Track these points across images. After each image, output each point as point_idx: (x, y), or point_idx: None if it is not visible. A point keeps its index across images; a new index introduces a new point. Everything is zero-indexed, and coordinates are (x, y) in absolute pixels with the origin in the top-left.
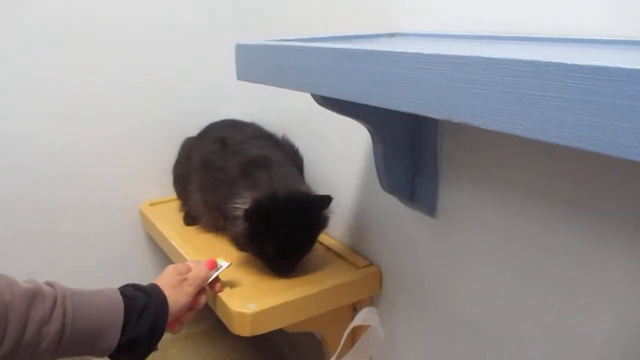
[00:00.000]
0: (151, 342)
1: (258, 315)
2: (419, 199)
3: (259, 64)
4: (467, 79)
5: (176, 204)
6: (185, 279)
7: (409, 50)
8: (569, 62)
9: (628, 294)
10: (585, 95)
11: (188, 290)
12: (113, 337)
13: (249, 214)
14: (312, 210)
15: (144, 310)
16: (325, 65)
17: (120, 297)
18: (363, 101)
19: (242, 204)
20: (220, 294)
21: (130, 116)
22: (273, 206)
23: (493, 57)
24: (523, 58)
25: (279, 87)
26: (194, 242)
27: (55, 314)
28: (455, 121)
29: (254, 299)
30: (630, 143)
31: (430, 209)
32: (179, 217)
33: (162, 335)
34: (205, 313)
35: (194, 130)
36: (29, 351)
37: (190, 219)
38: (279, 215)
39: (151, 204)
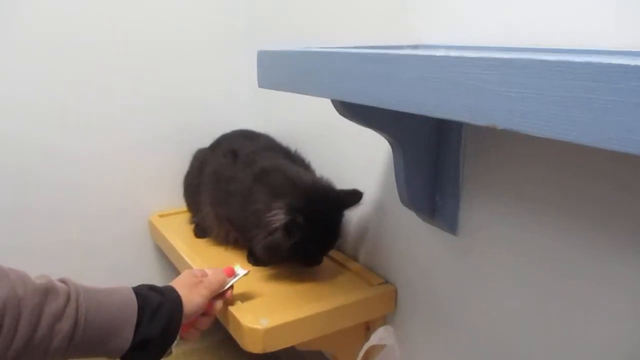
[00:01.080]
0: (165, 342)
1: (270, 332)
2: (439, 215)
3: (281, 70)
4: (515, 82)
5: (186, 216)
6: (201, 282)
7: (447, 54)
8: (632, 63)
9: None
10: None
11: (203, 292)
12: (126, 337)
13: (290, 226)
14: (345, 206)
15: (158, 310)
16: (350, 70)
17: (133, 296)
18: (392, 107)
19: (277, 215)
20: (231, 309)
21: (141, 127)
22: (310, 211)
23: (546, 59)
24: (579, 60)
25: (301, 93)
26: (204, 255)
27: (68, 311)
28: (500, 128)
29: (266, 314)
30: None
31: (451, 226)
32: (188, 229)
33: (176, 336)
34: (212, 328)
35: (206, 142)
36: (41, 348)
37: (200, 232)
38: (317, 219)
39: (160, 216)
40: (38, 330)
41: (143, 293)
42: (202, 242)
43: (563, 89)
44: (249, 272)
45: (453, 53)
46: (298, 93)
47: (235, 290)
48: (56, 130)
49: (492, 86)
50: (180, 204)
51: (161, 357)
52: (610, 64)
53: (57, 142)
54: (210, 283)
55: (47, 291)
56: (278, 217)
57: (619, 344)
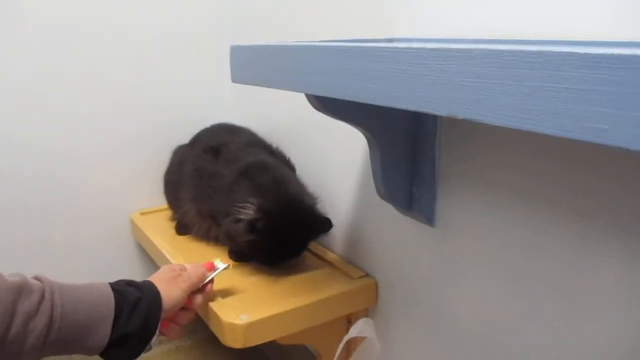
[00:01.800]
0: (144, 338)
1: (250, 327)
2: (416, 207)
3: (254, 65)
4: (472, 72)
5: (167, 214)
6: (179, 275)
7: (410, 46)
8: (582, 51)
9: (625, 300)
10: (600, 85)
11: (182, 286)
12: (104, 333)
13: (254, 225)
14: (312, 232)
15: (136, 305)
16: (321, 64)
17: (111, 292)
18: (361, 100)
19: (247, 209)
20: (211, 305)
21: (121, 124)
22: (278, 222)
23: (500, 49)
24: (533, 49)
25: (274, 88)
26: (186, 252)
27: (42, 308)
28: (460, 117)
29: (246, 309)
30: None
31: (428, 217)
32: (170, 226)
33: (156, 331)
34: (197, 326)
35: (187, 139)
36: (15, 346)
37: (182, 229)
38: (279, 232)
39: (142, 213)
40: (11, 328)
41: (121, 289)
42: (183, 239)
43: (517, 78)
44: (229, 265)
45: (415, 45)
46: (271, 87)
47: (216, 287)
48: (36, 128)
49: (452, 77)
50: (162, 202)
51: (140, 352)
52: (561, 52)
53: (37, 140)
54: (189, 277)
55: (20, 289)
56: (247, 210)
57: (600, 330)
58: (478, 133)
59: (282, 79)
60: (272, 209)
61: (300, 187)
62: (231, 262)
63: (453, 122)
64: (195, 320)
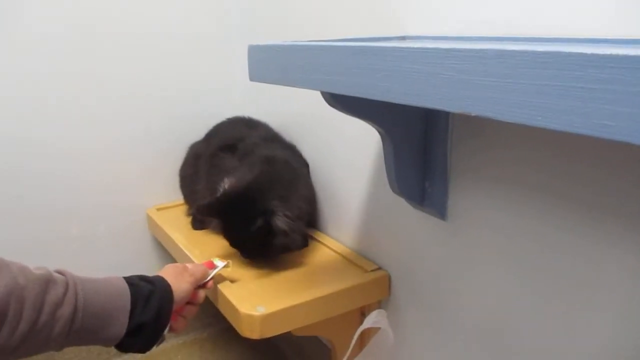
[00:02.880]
0: (158, 328)
1: (267, 318)
2: (429, 201)
3: (271, 64)
4: (485, 72)
5: (183, 209)
6: (185, 270)
7: (425, 46)
8: (589, 51)
9: (637, 293)
10: (607, 84)
11: (189, 279)
12: (121, 323)
13: (213, 203)
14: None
15: (150, 297)
16: (337, 63)
17: (126, 285)
18: (376, 97)
19: (223, 185)
20: (228, 297)
21: (136, 120)
22: (230, 209)
23: (513, 49)
24: (541, 49)
25: (291, 86)
26: (202, 246)
27: (67, 298)
28: (473, 114)
29: (263, 302)
30: None
31: (440, 211)
32: (186, 221)
33: (169, 321)
34: (212, 319)
35: (200, 134)
36: (43, 333)
37: (198, 223)
38: (228, 219)
39: (158, 209)
40: (41, 316)
41: (134, 282)
42: (199, 234)
43: (529, 77)
44: (228, 263)
45: (429, 45)
46: (288, 86)
47: (233, 279)
48: (51, 127)
49: (466, 76)
50: (177, 197)
51: (155, 342)
52: (570, 52)
53: (53, 139)
54: (194, 273)
55: (47, 280)
56: (221, 187)
57: (611, 323)
58: (489, 129)
59: (298, 78)
60: (231, 195)
61: (292, 188)
62: (230, 261)
63: (465, 118)
64: (211, 313)
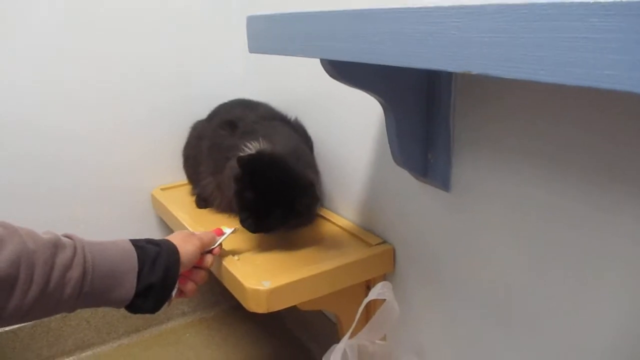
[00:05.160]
0: (165, 288)
1: (273, 292)
2: (432, 173)
3: (270, 35)
4: (485, 28)
5: (187, 189)
6: (193, 234)
7: (424, 5)
8: (591, 1)
9: None
10: (608, 33)
11: (196, 242)
12: (130, 285)
13: (242, 163)
14: (299, 186)
15: (157, 258)
16: (336, 29)
17: (132, 247)
18: (376, 61)
19: (247, 150)
20: (234, 272)
21: (139, 101)
22: (265, 161)
23: (510, 3)
24: (541, 2)
25: (290, 55)
26: (207, 224)
27: (76, 261)
28: (474, 73)
29: (268, 276)
30: None
31: (444, 183)
32: (190, 200)
33: (176, 283)
34: (219, 297)
35: (203, 114)
36: (54, 296)
37: (202, 202)
38: (266, 170)
39: (162, 189)
40: (52, 279)
41: (141, 245)
42: (204, 212)
43: (529, 31)
44: (236, 229)
45: (428, 3)
46: (287, 55)
47: (238, 255)
48: (53, 110)
49: (466, 33)
50: (181, 177)
51: (164, 303)
52: (572, 2)
53: (56, 121)
54: (201, 237)
55: (55, 244)
56: (246, 151)
57: (617, 291)
58: (493, 98)
59: (298, 47)
60: (262, 164)
61: (303, 159)
62: (237, 227)
63: (468, 88)
64: (217, 292)
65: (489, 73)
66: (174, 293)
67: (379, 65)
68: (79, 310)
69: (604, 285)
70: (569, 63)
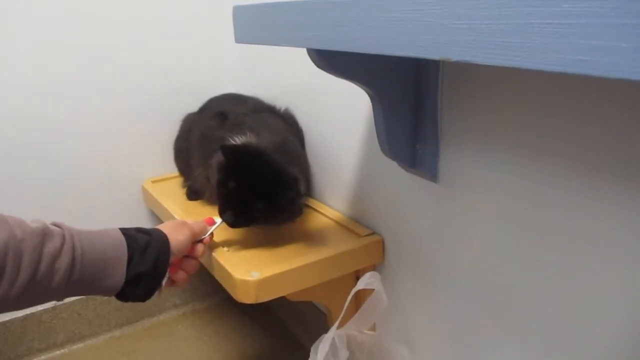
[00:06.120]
0: (155, 277)
1: (262, 283)
2: (420, 164)
3: (257, 24)
4: (463, 14)
5: (178, 181)
6: (184, 223)
7: None
8: None
9: (632, 249)
10: (582, 18)
11: (187, 232)
12: (120, 273)
13: (226, 149)
14: (282, 180)
15: (147, 248)
16: (320, 18)
17: (122, 235)
18: (358, 50)
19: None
20: (224, 263)
21: (130, 93)
22: (250, 152)
23: None
24: None
25: (276, 45)
26: (198, 216)
27: (65, 250)
28: (453, 60)
29: (257, 267)
30: (627, 63)
31: (432, 173)
32: (181, 192)
33: (166, 272)
34: (210, 289)
35: (194, 106)
36: (43, 285)
37: (193, 194)
38: (251, 162)
39: (153, 181)
40: (40, 267)
41: (131, 233)
42: (195, 204)
43: (507, 17)
44: None
45: None
46: (273, 45)
47: (228, 246)
48: (43, 98)
49: (444, 20)
50: (172, 170)
51: (153, 292)
52: None
53: (45, 110)
54: (192, 227)
55: (44, 233)
56: (234, 142)
57: (607, 280)
58: (480, 90)
59: (283, 36)
60: (248, 157)
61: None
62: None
63: (456, 79)
64: (208, 284)
65: (467, 60)
66: (164, 282)
67: (365, 55)
68: (70, 303)
69: (594, 274)
70: (543, 49)
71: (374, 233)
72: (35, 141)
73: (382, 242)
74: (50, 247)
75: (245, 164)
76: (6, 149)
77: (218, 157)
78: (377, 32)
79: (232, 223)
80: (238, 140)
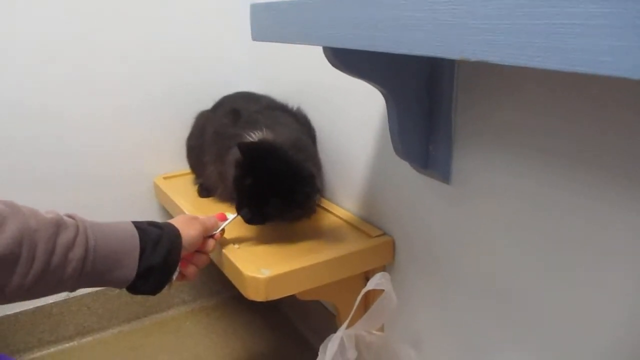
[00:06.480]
0: (166, 271)
1: (272, 281)
2: (433, 165)
3: (274, 23)
4: (483, 14)
5: (190, 178)
6: (196, 218)
7: None
8: None
9: None
10: (605, 19)
11: (198, 227)
12: (132, 266)
13: (243, 147)
14: (299, 177)
15: (158, 241)
16: (337, 16)
17: (134, 229)
18: (375, 48)
19: (251, 137)
20: (233, 260)
21: (143, 90)
22: (267, 149)
23: None
24: None
25: (292, 43)
26: (209, 213)
27: (78, 241)
28: (472, 60)
29: (267, 265)
30: None
31: (444, 175)
32: (193, 189)
33: (177, 265)
34: (220, 286)
35: (207, 103)
36: (56, 275)
37: (204, 191)
38: (267, 159)
39: (165, 178)
40: (53, 258)
41: (143, 227)
42: (206, 201)
43: (527, 17)
44: (237, 215)
45: None
46: (290, 43)
47: (238, 243)
48: (56, 94)
49: (464, 20)
50: (184, 166)
51: (165, 285)
52: None
53: (58, 106)
54: (204, 222)
55: (58, 224)
56: (250, 138)
57: (617, 281)
58: (495, 92)
59: (299, 34)
60: (267, 153)
61: (304, 151)
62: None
63: (470, 81)
64: (218, 281)
65: (486, 60)
66: (174, 276)
67: (381, 55)
68: (80, 297)
69: (606, 277)
70: (564, 49)
71: (384, 234)
72: (47, 136)
73: (393, 243)
74: (64, 238)
75: (262, 160)
76: (18, 144)
77: (234, 154)
78: (395, 30)
79: (248, 220)
80: (254, 136)
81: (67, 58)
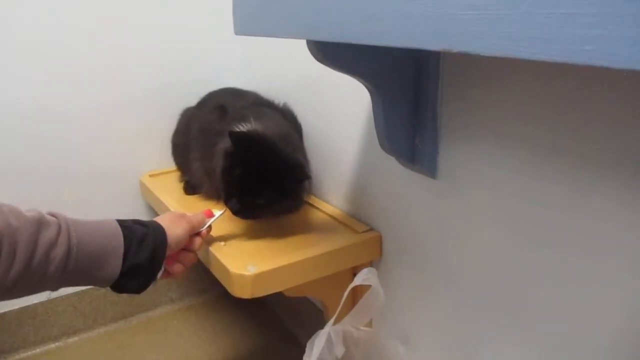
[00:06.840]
0: (152, 269)
1: (258, 278)
2: (419, 159)
3: (256, 16)
4: (466, 4)
5: (176, 175)
6: (182, 216)
7: None
8: None
9: (630, 244)
10: (586, 8)
11: (184, 225)
12: (115, 264)
13: (235, 136)
14: (289, 166)
15: (144, 239)
16: (320, 9)
17: (119, 227)
18: (359, 41)
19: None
20: (219, 257)
21: (127, 86)
22: (257, 139)
23: None
24: None
25: (276, 37)
26: (195, 210)
27: (60, 239)
28: (455, 51)
29: (254, 261)
30: (630, 52)
31: (431, 169)
32: (179, 187)
33: (162, 264)
34: (207, 284)
35: (193, 100)
36: (38, 274)
37: (190, 189)
38: (257, 149)
39: (151, 175)
40: (35, 256)
41: (128, 225)
42: (192, 199)
43: (511, 6)
44: (225, 211)
45: None
46: (274, 37)
47: (225, 240)
48: (41, 89)
49: (447, 10)
50: (170, 164)
51: (150, 283)
52: None
53: (42, 101)
54: (190, 220)
55: (39, 222)
56: (239, 129)
57: (605, 274)
58: (480, 85)
59: (283, 28)
60: (257, 143)
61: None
62: (226, 208)
63: (455, 74)
64: (205, 279)
65: (469, 51)
66: (159, 275)
67: (365, 48)
68: (65, 296)
69: (593, 268)
70: (546, 39)
71: (371, 229)
72: (32, 133)
73: (380, 238)
74: (46, 236)
75: (252, 150)
76: (4, 141)
77: (224, 145)
78: (378, 23)
79: (236, 211)
80: (243, 128)
81: (50, 54)
